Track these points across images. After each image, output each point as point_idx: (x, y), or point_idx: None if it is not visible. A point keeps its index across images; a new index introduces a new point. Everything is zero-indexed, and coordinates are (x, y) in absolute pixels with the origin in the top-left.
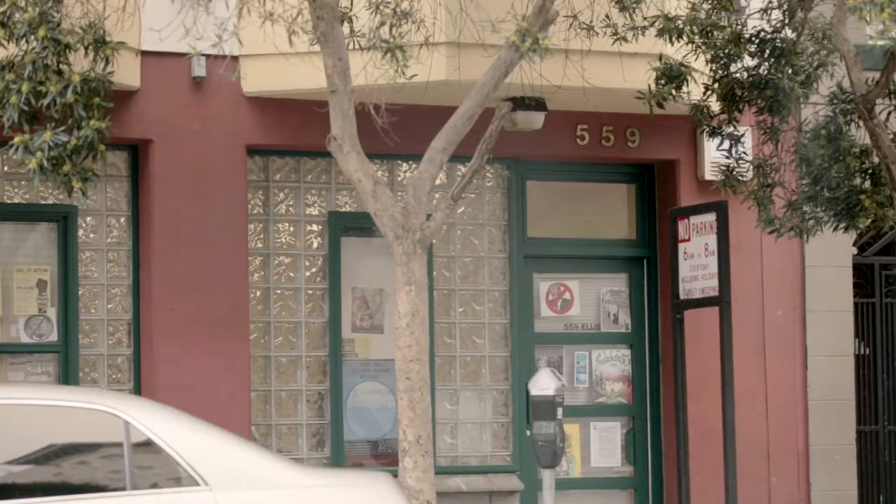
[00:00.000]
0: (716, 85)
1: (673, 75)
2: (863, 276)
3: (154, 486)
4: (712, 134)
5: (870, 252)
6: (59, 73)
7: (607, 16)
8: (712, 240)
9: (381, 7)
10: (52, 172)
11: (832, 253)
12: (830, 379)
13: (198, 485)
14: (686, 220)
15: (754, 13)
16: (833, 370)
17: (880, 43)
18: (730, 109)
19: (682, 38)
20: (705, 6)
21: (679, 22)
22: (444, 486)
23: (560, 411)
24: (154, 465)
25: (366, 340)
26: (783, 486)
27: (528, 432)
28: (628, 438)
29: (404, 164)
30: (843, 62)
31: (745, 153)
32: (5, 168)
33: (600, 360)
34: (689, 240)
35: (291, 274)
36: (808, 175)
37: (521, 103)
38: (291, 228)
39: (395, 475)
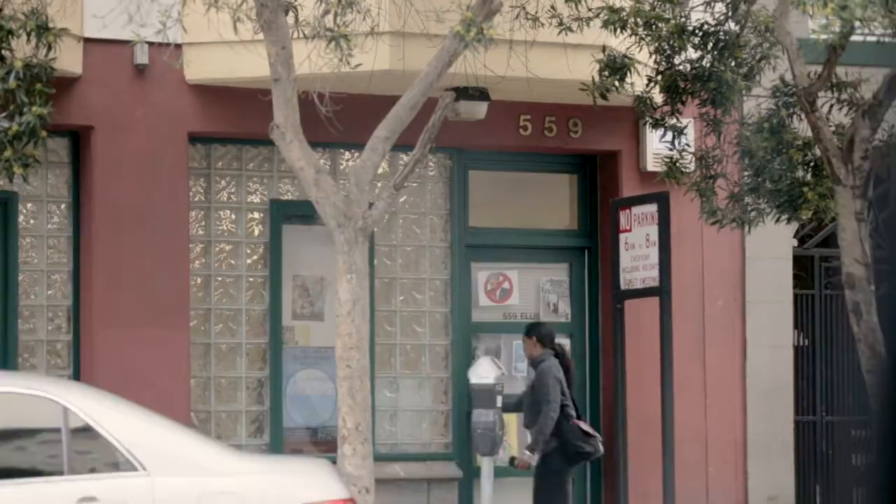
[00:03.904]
0: (659, 77)
1: (616, 67)
2: (803, 268)
3: (92, 470)
4: (655, 125)
5: (810, 244)
6: (1, 59)
7: (553, 6)
8: (653, 230)
9: None
10: None
11: (772, 244)
12: (769, 370)
13: (135, 470)
14: (628, 211)
15: (698, 6)
16: (772, 361)
17: (823, 37)
18: (673, 101)
19: (626, 29)
20: None
21: (623, 13)
22: (383, 473)
23: (500, 399)
24: (93, 450)
25: (306, 328)
26: (721, 476)
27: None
28: None
29: (347, 153)
30: (785, 55)
31: (687, 145)
32: None
33: None
34: (630, 230)
35: (232, 261)
36: (750, 167)
37: (464, 93)
38: (233, 216)
39: (334, 462)
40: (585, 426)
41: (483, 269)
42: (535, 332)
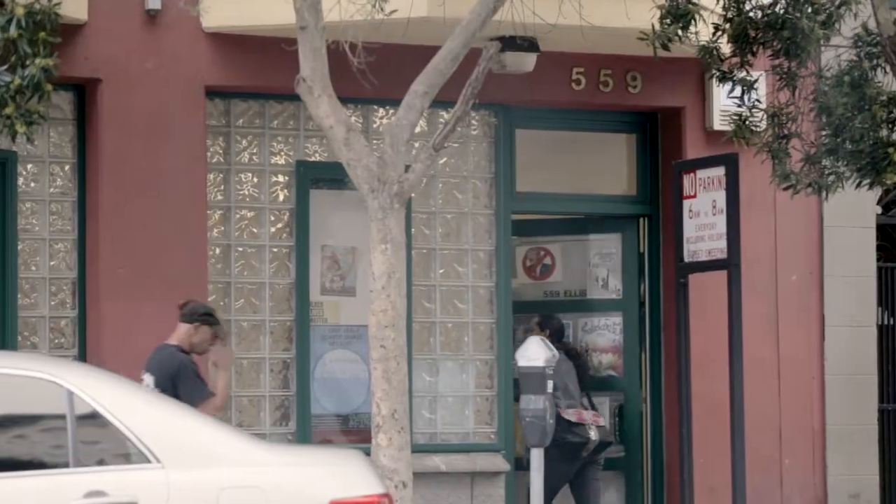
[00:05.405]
0: (727, 25)
1: (679, 14)
2: (887, 238)
3: (100, 462)
4: (722, 79)
5: (895, 212)
6: (1, 4)
7: None
8: (721, 196)
9: None
10: None
11: (854, 212)
12: (850, 351)
13: (149, 462)
14: (692, 175)
15: None
16: (853, 341)
17: None
18: (742, 52)
19: None
20: None
21: None
22: (422, 465)
23: (551, 384)
24: (100, 439)
25: (336, 304)
26: (797, 469)
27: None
28: (618, 415)
29: (381, 110)
30: (868, 0)
31: (758, 101)
32: None
33: (587, 329)
34: (695, 196)
35: (254, 229)
36: (828, 126)
37: (511, 43)
38: (255, 179)
39: (368, 453)
40: (573, 415)
41: (522, 244)
42: (549, 325)
